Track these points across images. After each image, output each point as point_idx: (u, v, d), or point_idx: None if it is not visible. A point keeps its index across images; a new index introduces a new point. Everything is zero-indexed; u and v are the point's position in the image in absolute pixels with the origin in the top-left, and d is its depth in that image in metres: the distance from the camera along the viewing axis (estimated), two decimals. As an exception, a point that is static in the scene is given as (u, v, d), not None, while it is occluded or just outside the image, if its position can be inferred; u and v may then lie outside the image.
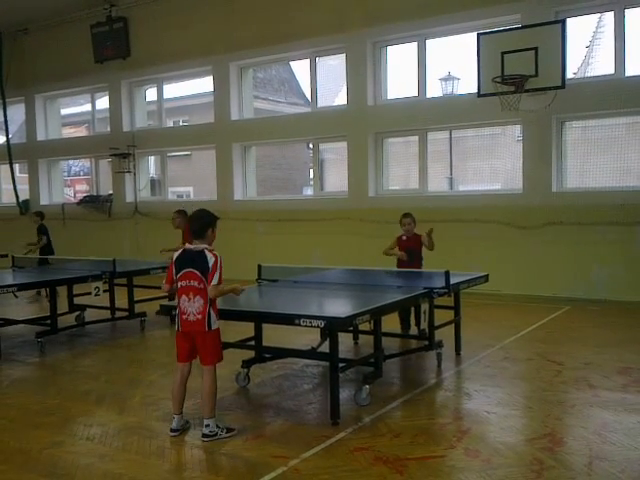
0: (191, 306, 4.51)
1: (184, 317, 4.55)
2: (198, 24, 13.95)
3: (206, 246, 4.57)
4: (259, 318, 5.44)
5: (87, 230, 16.12)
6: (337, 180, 14.02)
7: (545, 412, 4.99)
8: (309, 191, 17.75)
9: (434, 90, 12.21)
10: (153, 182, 17.15)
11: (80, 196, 18.81)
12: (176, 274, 4.59)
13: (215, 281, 4.48)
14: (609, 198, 9.96)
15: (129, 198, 15.68)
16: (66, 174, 23.67)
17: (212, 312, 4.55)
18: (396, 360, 6.41)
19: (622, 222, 9.84)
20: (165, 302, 6.42)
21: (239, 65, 13.96)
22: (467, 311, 7.44)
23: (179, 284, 4.57)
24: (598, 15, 10.54)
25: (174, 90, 18.75)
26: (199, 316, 4.51)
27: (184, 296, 4.54)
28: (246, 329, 6.02)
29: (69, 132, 22.07)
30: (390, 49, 12.32)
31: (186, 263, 4.56)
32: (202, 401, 4.65)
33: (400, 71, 12.51)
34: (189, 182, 21.91)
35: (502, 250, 10.81)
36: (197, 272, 4.50)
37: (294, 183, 21.65)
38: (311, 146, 14.14)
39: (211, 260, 4.49)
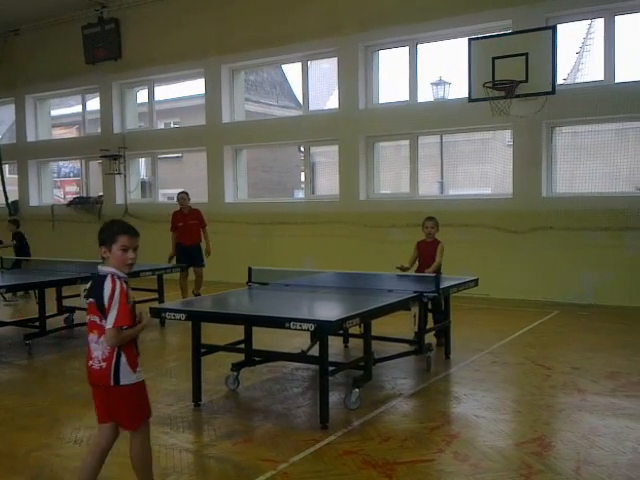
0: (96, 349, 3.39)
1: (89, 363, 3.44)
2: (190, 26, 13.93)
3: (112, 270, 3.36)
4: (249, 321, 5.43)
5: (77, 232, 16.01)
6: (328, 183, 14.02)
7: (534, 416, 5.00)
8: (300, 194, 17.73)
9: (425, 95, 12.27)
10: (144, 184, 17.11)
11: (70, 197, 18.73)
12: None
13: (110, 322, 3.28)
14: (598, 203, 10.02)
15: (119, 200, 15.63)
16: (56, 175, 23.57)
17: (123, 360, 3.35)
18: (386, 364, 6.41)
19: (611, 227, 9.91)
20: (155, 304, 6.42)
21: (231, 67, 13.96)
22: (456, 315, 7.46)
23: (87, 317, 3.46)
24: (588, 22, 10.64)
25: (165, 92, 18.74)
26: (103, 364, 3.36)
27: (90, 334, 3.42)
28: (236, 332, 6.01)
29: (59, 133, 21.97)
30: (382, 53, 12.36)
31: (92, 289, 3.41)
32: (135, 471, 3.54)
33: (391, 75, 12.55)
34: (180, 184, 21.75)
35: (492, 254, 10.85)
36: (96, 304, 3.35)
37: (285, 186, 21.63)
38: (302, 149, 14.15)
39: (107, 290, 3.28)
